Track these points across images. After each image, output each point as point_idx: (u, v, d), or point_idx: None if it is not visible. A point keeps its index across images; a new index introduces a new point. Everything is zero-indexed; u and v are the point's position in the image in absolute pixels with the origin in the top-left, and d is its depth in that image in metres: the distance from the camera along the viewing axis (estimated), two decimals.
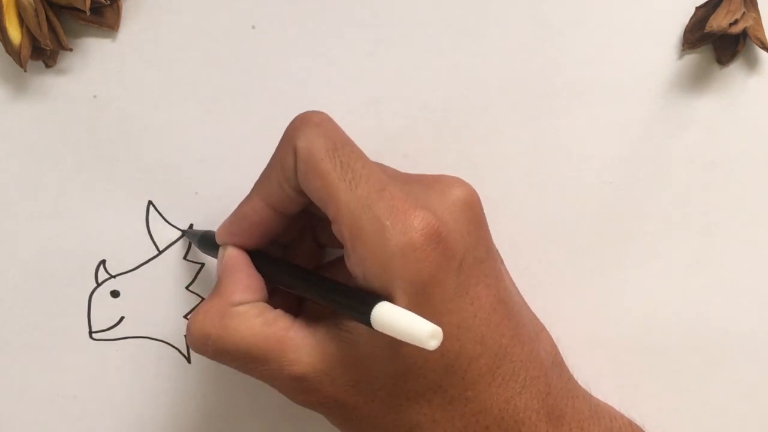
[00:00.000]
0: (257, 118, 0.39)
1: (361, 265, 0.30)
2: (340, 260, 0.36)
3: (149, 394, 0.40)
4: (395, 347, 0.30)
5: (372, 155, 0.39)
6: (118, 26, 0.38)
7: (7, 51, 0.37)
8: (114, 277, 0.39)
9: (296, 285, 0.34)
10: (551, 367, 0.34)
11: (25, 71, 0.37)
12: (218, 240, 0.35)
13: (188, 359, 0.40)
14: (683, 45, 0.39)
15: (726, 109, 0.40)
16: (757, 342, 0.41)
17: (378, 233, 0.29)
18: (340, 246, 0.32)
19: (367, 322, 0.28)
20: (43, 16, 0.36)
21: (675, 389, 0.41)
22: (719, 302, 0.41)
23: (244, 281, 0.33)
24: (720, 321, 0.41)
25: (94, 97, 0.39)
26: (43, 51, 0.37)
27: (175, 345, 0.40)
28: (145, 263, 0.39)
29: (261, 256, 0.35)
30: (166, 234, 0.39)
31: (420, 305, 0.29)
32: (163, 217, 0.39)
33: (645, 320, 0.41)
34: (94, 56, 0.38)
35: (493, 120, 0.40)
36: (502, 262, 0.35)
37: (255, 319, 0.32)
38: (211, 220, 0.39)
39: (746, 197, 0.40)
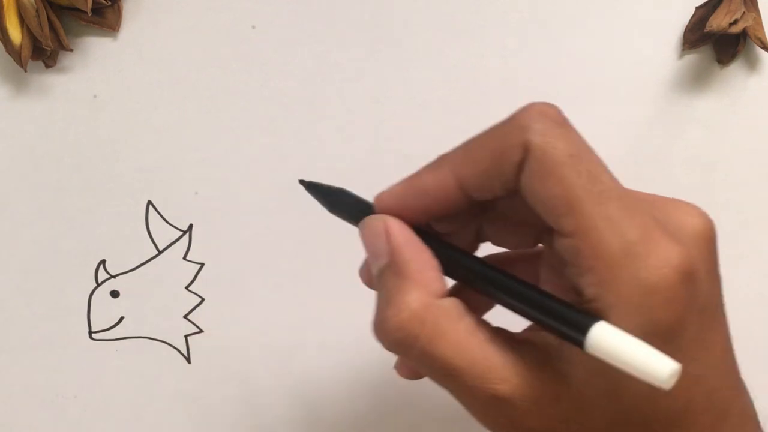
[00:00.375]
0: (257, 118, 0.39)
1: (597, 289, 0.26)
2: (508, 260, 0.32)
3: (149, 394, 0.40)
4: (618, 389, 0.26)
5: (372, 155, 0.39)
6: (118, 27, 0.38)
7: (8, 51, 0.37)
8: (114, 277, 0.39)
9: (488, 285, 0.28)
10: (754, 417, 0.30)
11: (26, 71, 0.37)
12: (378, 206, 0.29)
13: (188, 359, 0.40)
14: (683, 45, 0.39)
15: (726, 109, 0.40)
16: (757, 342, 0.41)
17: (629, 259, 0.25)
18: (511, 246, 0.29)
19: (580, 342, 0.25)
20: (44, 17, 0.36)
21: None
22: None
23: (434, 264, 0.28)
24: None
25: (94, 97, 0.39)
26: (44, 51, 0.37)
27: (175, 345, 0.40)
28: (145, 263, 0.39)
29: (429, 238, 0.29)
30: (166, 234, 0.39)
31: (660, 350, 0.25)
32: (163, 217, 0.39)
33: None
34: (94, 56, 0.38)
35: (493, 120, 0.39)
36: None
37: (459, 322, 0.27)
38: (211, 220, 0.39)
39: (746, 197, 0.40)
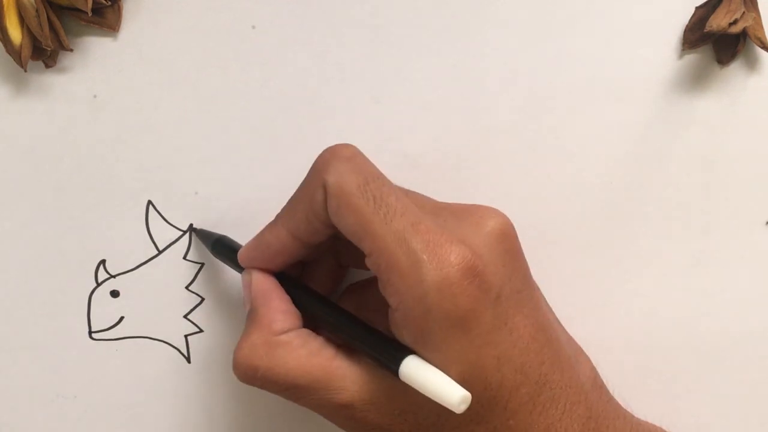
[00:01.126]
0: (257, 118, 0.39)
1: (396, 297, 0.30)
2: (366, 283, 0.37)
3: (149, 394, 0.40)
4: None
5: (372, 155, 0.39)
6: (118, 27, 0.38)
7: (8, 51, 0.37)
8: (114, 277, 0.39)
9: (326, 320, 0.34)
10: (591, 390, 0.34)
11: (26, 71, 0.37)
12: (241, 262, 0.36)
13: (188, 359, 0.40)
14: (683, 45, 0.39)
15: (726, 109, 0.40)
16: (757, 342, 0.41)
17: (414, 267, 0.30)
18: (363, 267, 0.32)
19: (395, 371, 0.30)
20: (44, 17, 0.36)
21: (675, 389, 0.41)
22: (719, 302, 0.41)
23: (280, 307, 0.34)
24: (720, 321, 0.41)
25: (94, 97, 0.39)
26: (44, 51, 0.37)
27: (175, 345, 0.40)
28: (145, 263, 0.39)
29: (287, 280, 0.35)
30: (166, 234, 0.39)
31: (457, 339, 0.30)
32: (163, 217, 0.39)
33: (645, 320, 0.41)
34: (94, 56, 0.38)
35: (493, 120, 0.40)
36: (537, 289, 0.35)
37: (300, 349, 0.32)
38: (211, 220, 0.39)
39: (746, 197, 0.40)
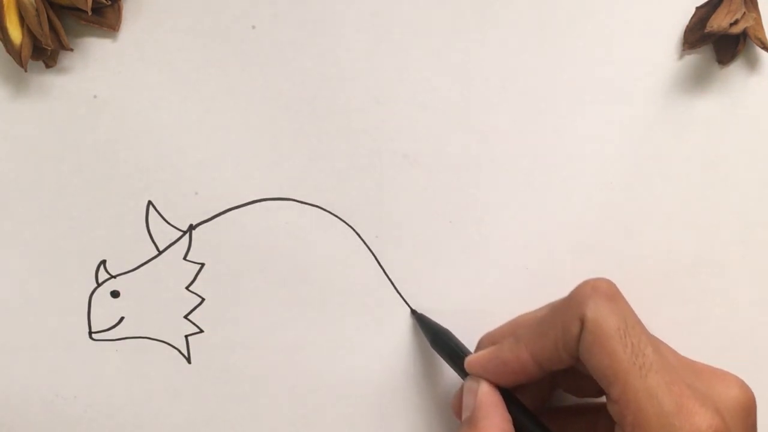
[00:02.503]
0: (257, 118, 0.39)
1: None
2: (575, 411, 0.37)
3: (149, 394, 0.40)
4: None
5: (372, 155, 0.39)
6: (119, 26, 0.38)
7: (8, 51, 0.37)
8: (114, 277, 0.39)
9: None
10: None
11: (26, 71, 0.37)
12: (470, 370, 0.36)
13: (188, 359, 0.40)
14: (683, 45, 0.39)
15: (726, 109, 0.40)
16: (757, 342, 0.41)
17: (665, 430, 0.29)
18: (580, 395, 0.34)
19: None
20: (44, 16, 0.36)
21: None
22: (719, 302, 0.41)
23: (501, 425, 0.34)
24: (720, 321, 0.41)
25: (94, 97, 0.39)
26: (44, 51, 0.37)
27: (175, 345, 0.40)
28: (145, 263, 0.39)
29: (508, 397, 0.35)
30: (166, 234, 0.39)
31: None
32: (163, 217, 0.39)
33: (645, 320, 0.41)
34: (94, 56, 0.38)
35: (493, 120, 0.40)
36: None
37: None
38: (210, 220, 0.39)
39: (746, 197, 0.40)
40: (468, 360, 0.36)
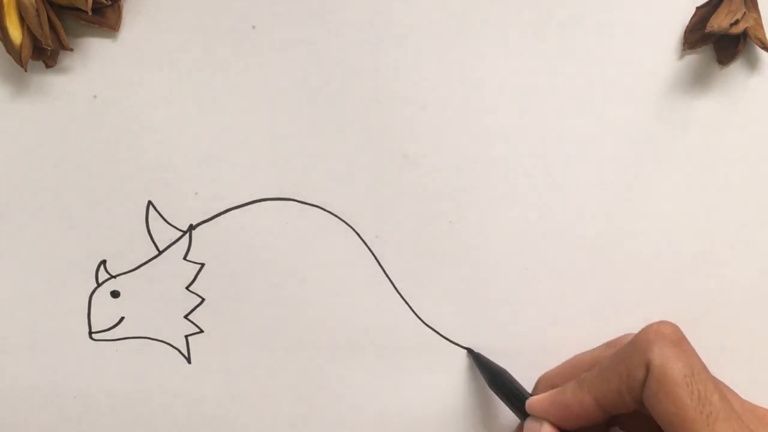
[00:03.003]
0: (257, 118, 0.39)
1: None
2: None
3: (149, 394, 0.40)
4: None
5: (372, 155, 0.39)
6: (119, 26, 0.38)
7: (8, 51, 0.37)
8: (114, 277, 0.39)
9: None
10: None
11: (26, 71, 0.37)
12: (531, 411, 0.36)
13: (188, 359, 0.40)
14: (684, 45, 0.39)
15: (726, 109, 0.40)
16: (757, 341, 0.41)
17: None
18: None
19: None
20: (44, 16, 0.36)
21: None
22: (719, 302, 0.41)
23: None
24: (719, 321, 0.41)
25: (94, 97, 0.39)
26: (44, 51, 0.37)
27: (175, 345, 0.40)
28: (145, 263, 0.39)
29: None
30: (166, 234, 0.39)
31: None
32: (163, 217, 0.39)
33: (645, 320, 0.41)
34: (94, 56, 0.38)
35: (493, 120, 0.40)
36: None
37: None
38: (210, 220, 0.39)
39: (746, 197, 0.40)
40: (530, 402, 0.36)
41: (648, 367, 0.31)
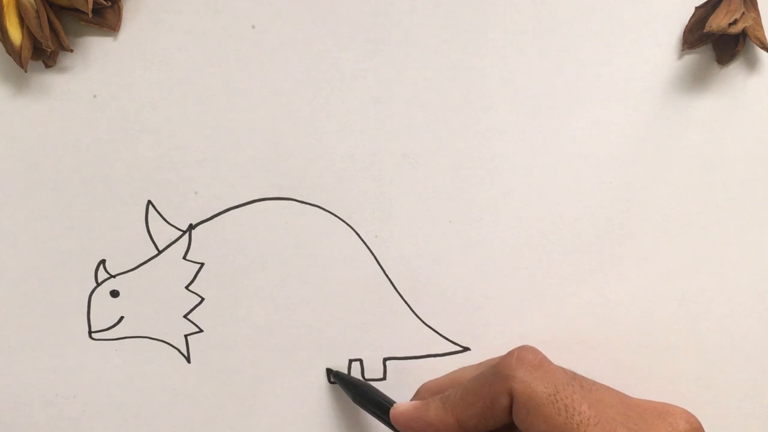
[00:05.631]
0: (257, 118, 0.39)
1: None
2: None
3: (149, 393, 0.40)
4: None
5: (372, 155, 0.39)
6: (119, 27, 0.38)
7: (8, 51, 0.37)
8: (114, 276, 0.39)
9: None
10: None
11: (26, 71, 0.37)
12: (396, 425, 0.36)
13: (188, 359, 0.40)
14: (683, 45, 0.39)
15: (726, 109, 0.40)
16: (757, 342, 0.41)
17: None
18: None
19: None
20: (44, 17, 0.36)
21: (675, 389, 0.41)
22: (719, 302, 0.41)
23: None
24: (720, 321, 0.41)
25: (94, 97, 0.39)
26: (44, 51, 0.37)
27: (175, 345, 0.40)
28: (145, 263, 0.39)
29: None
30: (166, 234, 0.39)
31: None
32: (163, 217, 0.39)
33: (645, 320, 0.41)
34: (94, 56, 0.38)
35: (493, 120, 0.40)
36: None
37: None
38: (210, 220, 0.39)
39: (746, 197, 0.40)
40: (394, 411, 0.36)
41: (512, 394, 0.32)
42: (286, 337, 0.40)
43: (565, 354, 0.40)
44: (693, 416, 0.33)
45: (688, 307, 0.41)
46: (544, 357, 0.33)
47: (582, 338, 0.40)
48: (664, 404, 0.34)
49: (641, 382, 0.41)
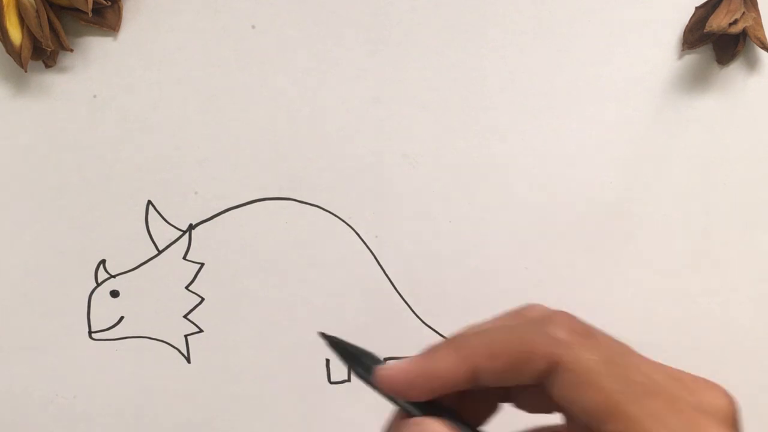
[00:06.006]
0: (257, 118, 0.39)
1: None
2: None
3: (149, 393, 0.40)
4: None
5: (372, 155, 0.39)
6: (119, 27, 0.38)
7: (8, 51, 0.37)
8: (114, 276, 0.39)
9: None
10: None
11: (26, 71, 0.37)
12: (383, 386, 0.30)
13: (188, 359, 0.40)
14: (683, 45, 0.39)
15: (726, 109, 0.40)
16: (757, 342, 0.41)
17: None
18: (524, 409, 0.31)
19: None
20: (44, 17, 0.36)
21: None
22: (719, 302, 0.41)
23: None
24: (720, 321, 0.41)
25: (94, 97, 0.39)
26: (44, 51, 0.37)
27: (175, 345, 0.40)
28: (145, 263, 0.40)
29: (448, 414, 0.30)
30: (166, 234, 0.39)
31: None
32: (163, 217, 0.39)
33: (645, 320, 0.41)
34: (94, 56, 0.38)
35: (493, 120, 0.40)
36: None
37: None
38: (210, 220, 0.39)
39: (746, 197, 0.40)
40: (381, 374, 0.29)
41: (556, 361, 0.29)
42: (286, 337, 0.40)
43: None
44: (730, 393, 0.32)
45: (688, 307, 0.41)
46: (590, 324, 0.30)
47: None
48: (702, 378, 0.32)
49: None
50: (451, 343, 0.30)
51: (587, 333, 0.30)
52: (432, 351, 0.30)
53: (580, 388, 0.28)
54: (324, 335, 0.31)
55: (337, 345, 0.31)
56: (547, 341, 0.29)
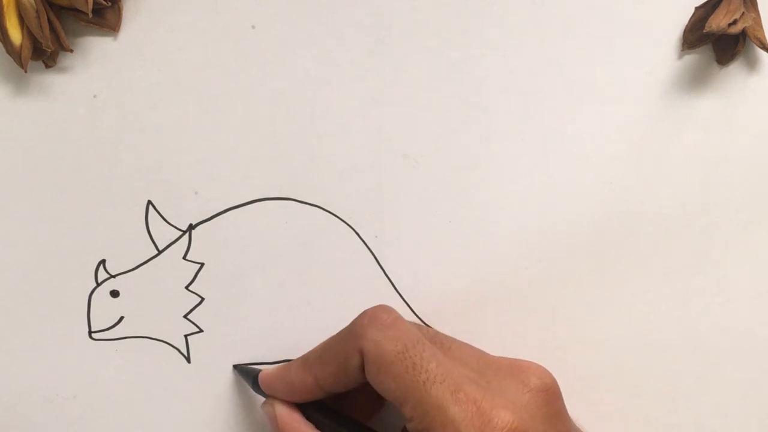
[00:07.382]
0: (257, 118, 0.39)
1: None
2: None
3: (149, 394, 0.40)
4: None
5: (372, 155, 0.39)
6: (119, 27, 0.38)
7: (8, 51, 0.37)
8: (114, 276, 0.39)
9: None
10: None
11: (26, 72, 0.37)
12: (264, 389, 0.37)
13: (188, 359, 0.40)
14: (683, 45, 0.39)
15: (726, 109, 0.40)
16: (756, 342, 0.41)
17: None
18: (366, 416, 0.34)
19: None
20: (44, 18, 0.36)
21: (675, 389, 0.41)
22: (719, 302, 0.41)
23: None
24: (720, 321, 0.41)
25: (94, 97, 0.39)
26: (44, 51, 0.37)
27: (175, 345, 0.40)
28: (145, 263, 0.39)
29: (315, 406, 0.36)
30: (166, 234, 0.39)
31: None
32: (163, 217, 0.39)
33: (645, 320, 0.41)
34: (94, 56, 0.38)
35: (493, 120, 0.40)
36: None
37: None
38: (210, 220, 0.39)
39: (746, 197, 0.40)
40: (261, 378, 0.36)
41: (362, 353, 0.32)
42: (286, 337, 0.40)
43: (565, 353, 0.40)
44: (547, 372, 0.33)
45: (688, 307, 0.41)
46: (398, 316, 0.34)
47: (582, 338, 0.40)
48: (519, 360, 0.34)
49: (641, 382, 0.41)
50: (302, 357, 0.35)
51: (390, 324, 0.33)
52: (290, 363, 0.36)
53: (379, 376, 0.32)
54: (235, 367, 0.40)
55: (236, 367, 0.39)
56: (355, 337, 0.33)
